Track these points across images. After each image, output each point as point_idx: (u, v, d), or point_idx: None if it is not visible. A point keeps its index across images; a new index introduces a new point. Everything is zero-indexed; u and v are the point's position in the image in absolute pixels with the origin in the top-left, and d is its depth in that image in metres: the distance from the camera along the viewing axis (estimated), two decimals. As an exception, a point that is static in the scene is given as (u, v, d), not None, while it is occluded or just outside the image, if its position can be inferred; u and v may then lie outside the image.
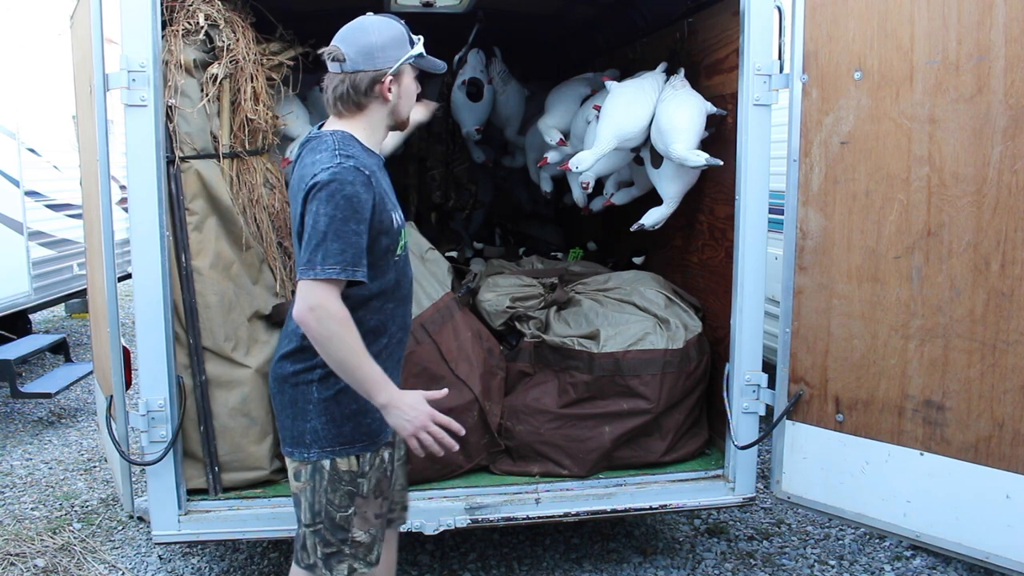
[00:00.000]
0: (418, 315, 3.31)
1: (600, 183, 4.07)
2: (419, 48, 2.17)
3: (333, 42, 2.14)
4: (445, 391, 2.22)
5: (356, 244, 2.01)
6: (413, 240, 3.56)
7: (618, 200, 4.08)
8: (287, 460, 2.28)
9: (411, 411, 2.07)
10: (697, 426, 3.49)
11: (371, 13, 2.20)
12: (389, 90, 2.14)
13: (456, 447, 2.15)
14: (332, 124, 2.19)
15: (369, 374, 2.05)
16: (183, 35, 3.00)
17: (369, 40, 2.12)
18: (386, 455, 2.33)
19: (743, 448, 3.15)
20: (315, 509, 2.22)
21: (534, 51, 5.58)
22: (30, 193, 6.03)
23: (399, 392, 2.10)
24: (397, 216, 2.19)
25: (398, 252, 2.21)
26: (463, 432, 2.17)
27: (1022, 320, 2.52)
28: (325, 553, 2.24)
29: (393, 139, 2.56)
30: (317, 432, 2.18)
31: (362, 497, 2.24)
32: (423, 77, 2.32)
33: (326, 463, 2.20)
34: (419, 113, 2.30)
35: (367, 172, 2.05)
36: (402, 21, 2.19)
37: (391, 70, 2.13)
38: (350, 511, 2.23)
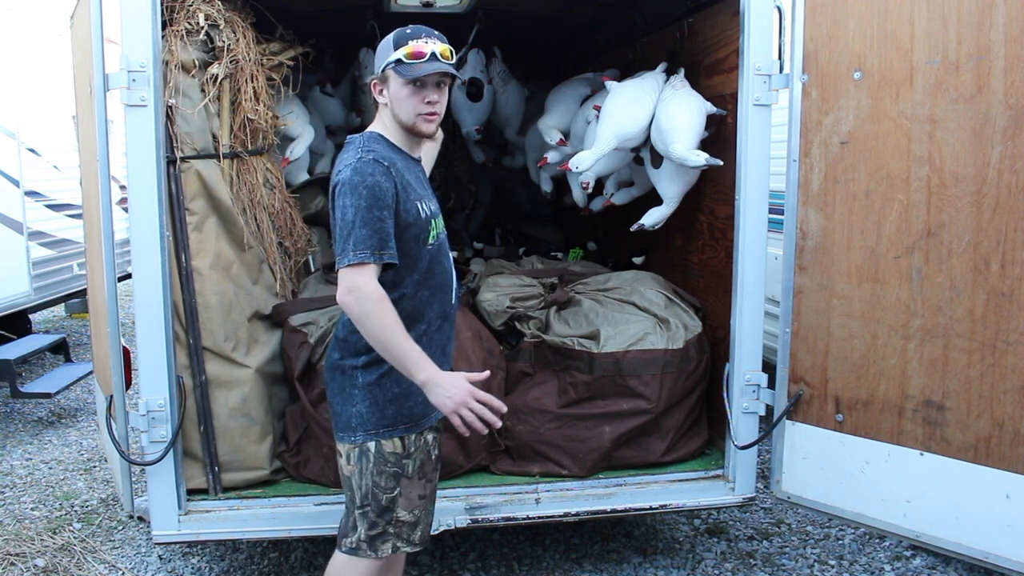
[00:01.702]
0: (418, 315, 3.31)
1: (600, 183, 4.07)
2: (396, 55, 2.25)
3: None
4: (487, 373, 2.33)
5: (382, 229, 2.14)
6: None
7: (618, 200, 4.08)
8: (339, 445, 2.39)
9: (452, 388, 2.13)
10: (697, 426, 3.49)
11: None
12: (379, 93, 2.32)
13: (499, 424, 2.20)
14: (371, 126, 2.39)
15: (408, 351, 2.14)
16: (183, 35, 3.00)
17: (379, 48, 2.34)
18: (430, 437, 2.42)
19: (743, 448, 3.15)
20: (363, 491, 2.33)
21: (534, 51, 5.58)
22: (30, 193, 6.03)
23: (439, 371, 2.17)
24: (424, 205, 2.31)
25: (430, 241, 2.32)
26: (505, 410, 2.23)
27: (1022, 320, 2.51)
28: (370, 536, 2.35)
29: (427, 152, 2.67)
30: (362, 415, 2.30)
31: (407, 478, 2.35)
32: (453, 85, 2.51)
33: (371, 445, 2.31)
34: (424, 126, 2.33)
35: (386, 163, 2.19)
36: (409, 29, 2.30)
37: (377, 76, 2.32)
38: (395, 492, 2.33)
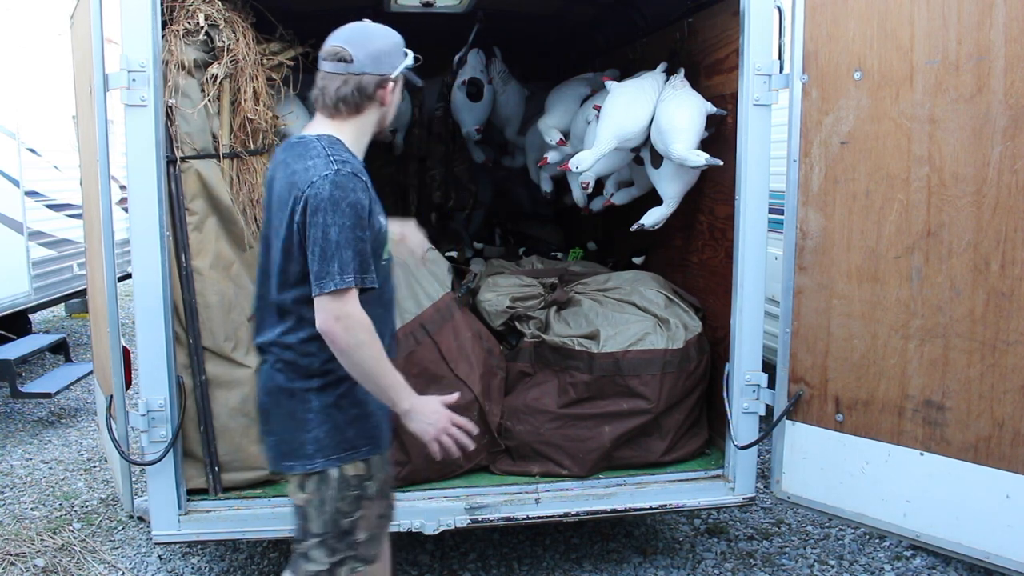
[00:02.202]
0: (418, 315, 3.31)
1: (600, 183, 4.07)
2: (411, 60, 2.21)
3: (334, 43, 2.13)
4: (457, 395, 2.26)
5: (364, 251, 2.02)
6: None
7: (618, 200, 4.08)
8: (288, 474, 2.23)
9: (433, 415, 2.11)
10: (697, 426, 3.49)
11: (368, 20, 2.23)
12: (389, 95, 2.17)
13: (472, 446, 2.18)
14: (318, 126, 2.18)
15: (396, 381, 2.08)
16: (183, 35, 3.00)
17: (377, 45, 2.15)
18: (387, 455, 2.34)
19: (743, 448, 3.15)
20: (324, 519, 2.18)
21: (534, 51, 5.58)
22: (30, 193, 6.03)
23: (419, 398, 2.13)
24: (384, 220, 2.20)
25: (385, 256, 2.21)
26: (476, 432, 2.21)
27: (1022, 320, 2.51)
28: (331, 562, 2.20)
29: None
30: (320, 441, 2.15)
31: (369, 500, 2.23)
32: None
33: (334, 471, 2.17)
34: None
35: (364, 178, 2.06)
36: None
37: (393, 76, 2.16)
38: (357, 515, 2.21)
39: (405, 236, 2.54)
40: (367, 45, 2.13)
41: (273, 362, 2.18)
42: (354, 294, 2.01)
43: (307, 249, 2.02)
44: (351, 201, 2.00)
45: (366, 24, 2.21)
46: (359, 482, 2.20)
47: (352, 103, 2.13)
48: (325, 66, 2.14)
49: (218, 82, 3.07)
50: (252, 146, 3.27)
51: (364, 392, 2.14)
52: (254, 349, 3.12)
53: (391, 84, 2.16)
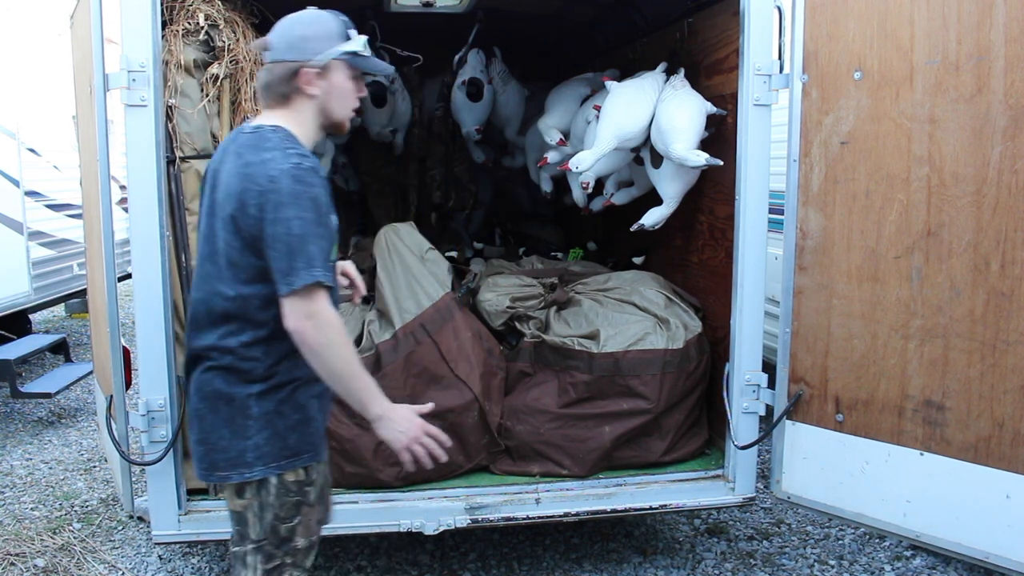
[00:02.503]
0: (418, 315, 3.31)
1: (600, 183, 4.07)
2: (354, 45, 2.06)
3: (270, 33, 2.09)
4: (431, 405, 2.18)
5: (326, 248, 1.95)
6: (414, 240, 3.56)
7: (618, 200, 4.08)
8: (223, 483, 2.12)
9: (405, 423, 2.03)
10: (697, 426, 3.49)
11: (313, 8, 2.12)
12: (310, 83, 2.03)
13: (445, 458, 2.10)
14: (264, 118, 2.09)
15: (369, 384, 1.99)
16: (183, 35, 3.00)
17: (296, 31, 2.04)
18: (326, 459, 2.25)
19: (743, 448, 3.15)
20: (263, 526, 2.09)
21: (534, 51, 5.58)
22: (30, 193, 6.03)
23: (391, 404, 2.04)
24: (334, 218, 2.09)
25: (333, 257, 2.08)
26: (450, 444, 2.14)
27: (1022, 320, 2.51)
28: (267, 569, 2.11)
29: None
30: (260, 448, 2.04)
31: (309, 506, 2.14)
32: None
33: (273, 479, 2.08)
34: (347, 123, 2.18)
35: (320, 172, 1.99)
36: (345, 18, 2.10)
37: (312, 62, 2.02)
38: (296, 521, 2.12)
39: (347, 272, 2.42)
40: (288, 32, 2.04)
41: (209, 367, 2.06)
42: (323, 291, 1.92)
43: (267, 247, 1.92)
44: (312, 196, 1.92)
45: (304, 11, 2.10)
46: (299, 488, 2.11)
47: (275, 93, 2.04)
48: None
49: (218, 82, 3.07)
50: (252, 146, 3.26)
51: (306, 397, 2.09)
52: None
53: (311, 72, 2.02)
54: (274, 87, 2.05)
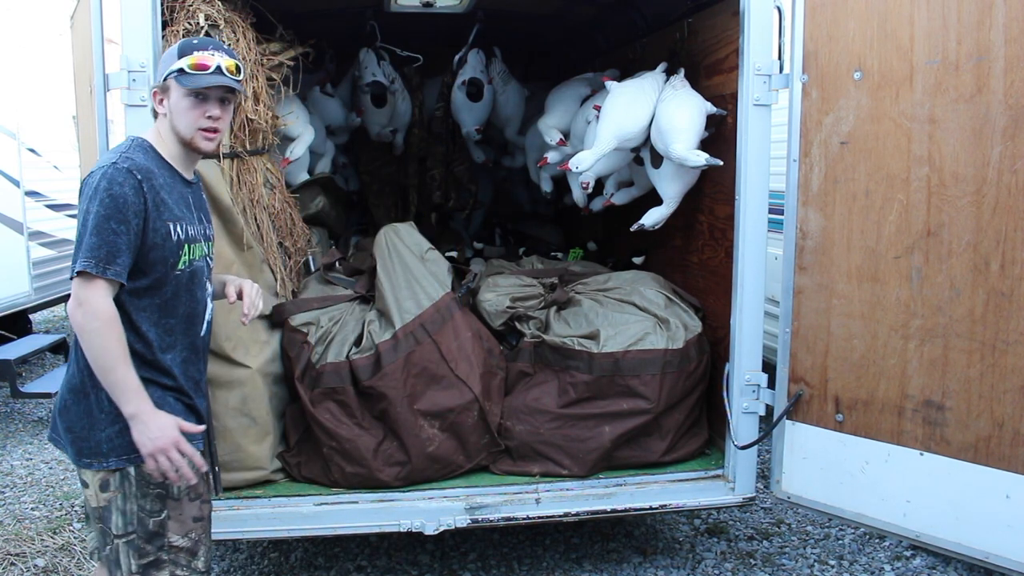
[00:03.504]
0: (418, 315, 3.31)
1: (600, 183, 4.08)
2: (178, 64, 2.15)
3: None
4: (202, 427, 2.22)
5: (112, 242, 2.02)
6: (414, 240, 3.56)
7: (618, 200, 4.08)
8: (86, 473, 2.17)
9: (157, 431, 2.05)
10: (697, 426, 3.49)
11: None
12: (160, 103, 2.20)
13: (194, 480, 2.14)
14: (145, 134, 2.26)
15: (122, 379, 2.03)
16: (183, 35, 3.00)
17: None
18: (198, 455, 2.24)
19: (743, 448, 3.15)
20: (127, 517, 2.15)
21: (534, 51, 5.58)
22: (30, 193, 6.03)
23: (151, 409, 2.07)
24: (180, 228, 2.17)
25: (180, 266, 2.17)
26: (205, 469, 2.19)
27: (1022, 320, 2.51)
28: (141, 565, 2.16)
29: None
30: (112, 440, 2.12)
31: (174, 500, 2.18)
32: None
33: (131, 469, 2.14)
34: (202, 142, 2.24)
35: (139, 176, 2.06)
36: (196, 40, 2.22)
37: (156, 83, 2.22)
38: (163, 515, 2.17)
39: (242, 290, 2.45)
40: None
41: (73, 361, 2.17)
42: (99, 284, 2.01)
43: None
44: (113, 193, 2.02)
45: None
46: (160, 481, 2.15)
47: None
48: None
49: (218, 82, 3.07)
50: (252, 146, 3.27)
51: (162, 394, 2.15)
52: (255, 347, 3.08)
53: (156, 91, 2.21)
54: (150, 105, 2.27)
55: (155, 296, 2.15)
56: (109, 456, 2.13)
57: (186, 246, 2.19)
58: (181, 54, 2.16)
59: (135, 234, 2.06)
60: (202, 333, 2.32)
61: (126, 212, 2.03)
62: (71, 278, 2.03)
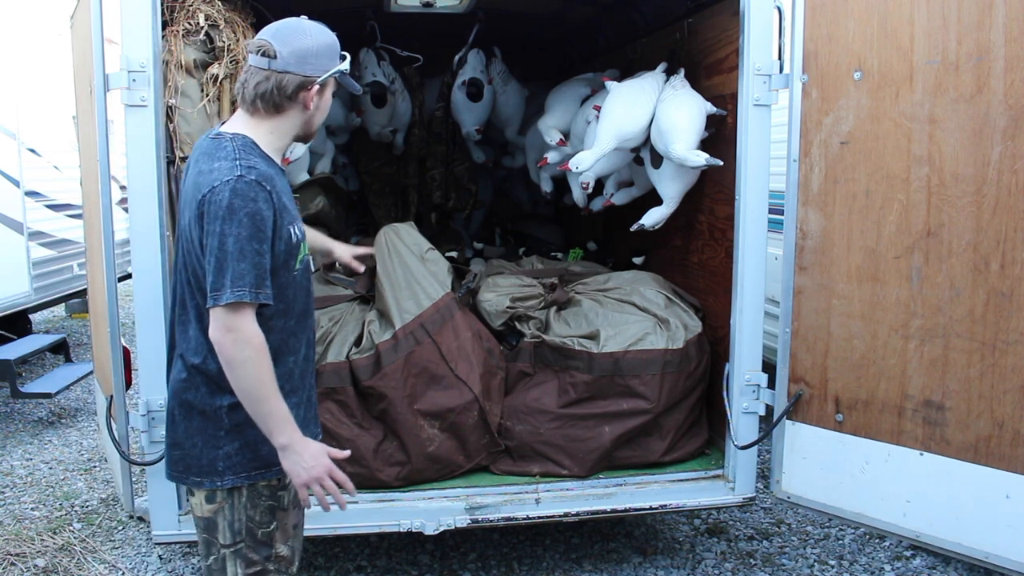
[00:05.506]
0: (418, 315, 3.31)
1: (600, 183, 4.08)
2: (346, 64, 2.12)
3: (263, 37, 2.04)
4: (348, 452, 2.16)
5: (260, 265, 1.93)
6: (413, 240, 3.56)
7: (618, 200, 4.09)
8: (194, 489, 2.12)
9: (311, 460, 2.00)
10: (697, 426, 3.49)
11: (306, 17, 2.13)
12: (311, 99, 2.07)
13: (345, 506, 2.12)
14: (237, 123, 2.09)
15: (277, 410, 1.97)
16: (183, 35, 3.00)
17: (305, 44, 2.03)
18: None
19: (743, 448, 3.15)
20: (235, 528, 2.10)
21: (534, 51, 5.58)
22: (30, 193, 6.03)
23: (302, 438, 2.02)
24: (296, 228, 2.09)
25: (297, 265, 2.10)
26: (356, 494, 2.15)
27: (1022, 320, 2.52)
28: (248, 574, 2.12)
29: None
30: (231, 458, 2.06)
31: (283, 510, 2.16)
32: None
33: (244, 487, 2.09)
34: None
35: (268, 187, 1.96)
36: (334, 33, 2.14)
37: (319, 79, 2.06)
38: (272, 526, 2.14)
39: (333, 251, 2.46)
40: (294, 42, 2.02)
41: (184, 373, 2.08)
42: (248, 309, 1.92)
43: (204, 256, 1.94)
44: (250, 211, 1.91)
45: (301, 21, 2.09)
46: (272, 493, 2.13)
47: (271, 102, 2.03)
48: (250, 59, 2.04)
49: (218, 82, 3.07)
50: (252, 146, 3.26)
51: (301, 415, 2.12)
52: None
53: (315, 87, 2.05)
54: (271, 97, 2.03)
55: (280, 300, 2.04)
56: (225, 474, 2.06)
57: (301, 244, 2.12)
58: (341, 56, 2.11)
59: (271, 248, 1.97)
60: (314, 324, 2.27)
61: (265, 230, 1.94)
62: (212, 306, 1.91)
